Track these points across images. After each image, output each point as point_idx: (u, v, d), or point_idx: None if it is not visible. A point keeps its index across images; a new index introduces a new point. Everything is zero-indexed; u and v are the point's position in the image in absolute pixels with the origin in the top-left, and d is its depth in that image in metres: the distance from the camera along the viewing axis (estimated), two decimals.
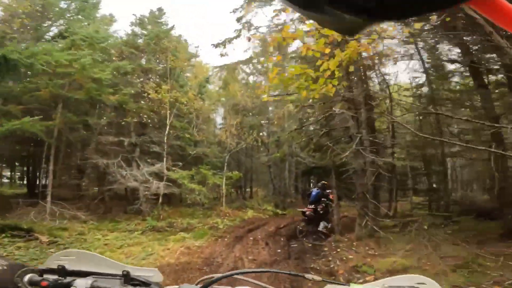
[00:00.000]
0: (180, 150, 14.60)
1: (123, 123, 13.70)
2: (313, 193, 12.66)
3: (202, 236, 9.39)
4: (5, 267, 0.74)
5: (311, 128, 13.16)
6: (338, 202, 11.65)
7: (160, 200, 12.78)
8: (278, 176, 20.18)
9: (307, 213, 10.67)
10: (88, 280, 0.70)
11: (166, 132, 13.16)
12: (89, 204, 12.85)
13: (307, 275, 0.73)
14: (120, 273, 0.76)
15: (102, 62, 12.39)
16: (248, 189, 23.17)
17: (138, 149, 13.64)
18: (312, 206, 11.01)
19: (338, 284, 0.78)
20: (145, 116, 13.69)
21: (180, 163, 13.28)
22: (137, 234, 9.82)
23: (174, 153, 14.74)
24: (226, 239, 9.51)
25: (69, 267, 0.77)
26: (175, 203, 15.31)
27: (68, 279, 0.74)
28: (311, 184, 22.98)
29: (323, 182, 16.15)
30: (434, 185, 13.63)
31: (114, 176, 11.23)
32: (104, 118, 12.82)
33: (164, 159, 12.71)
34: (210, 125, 24.07)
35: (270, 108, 20.80)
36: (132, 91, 12.78)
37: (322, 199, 12.19)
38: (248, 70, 20.77)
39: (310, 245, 8.87)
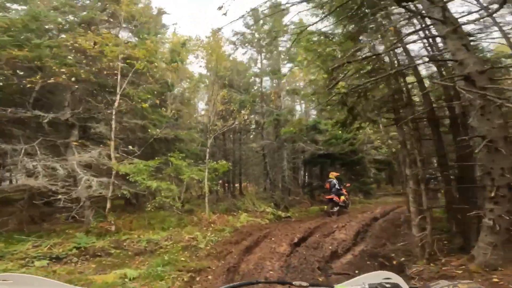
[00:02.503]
0: (141, 132, 10.15)
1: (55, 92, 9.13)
2: (336, 186, 12.40)
3: (161, 278, 5.00)
4: None
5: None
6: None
7: (108, 205, 8.40)
8: (275, 167, 16.07)
9: (334, 199, 11.63)
10: None
11: (116, 105, 8.72)
12: None
13: (294, 282, 0.75)
14: None
15: None
16: (237, 185, 18.93)
17: (76, 131, 9.15)
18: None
19: (323, 286, 0.80)
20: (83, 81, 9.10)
21: (137, 151, 8.86)
22: (42, 262, 5.48)
23: (134, 138, 10.32)
24: (209, 277, 5.30)
25: None
26: (142, 206, 10.97)
27: None
28: (309, 176, 19.05)
29: (336, 174, 13.39)
30: None
31: (16, 169, 6.79)
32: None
33: (112, 144, 8.29)
34: (189, 108, 19.62)
35: (264, 85, 16.62)
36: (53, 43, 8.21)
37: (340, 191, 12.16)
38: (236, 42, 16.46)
39: None
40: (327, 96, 7.08)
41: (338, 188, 12.87)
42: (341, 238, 7.63)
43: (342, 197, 12.82)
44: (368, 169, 16.90)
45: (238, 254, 6.82)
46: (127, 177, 7.91)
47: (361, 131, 16.60)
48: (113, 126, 8.40)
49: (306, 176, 19.15)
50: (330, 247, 6.93)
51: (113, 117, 8.55)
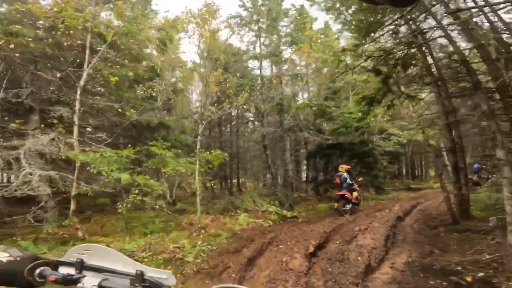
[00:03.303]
0: (117, 118, 8.35)
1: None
2: (348, 180, 10.90)
3: None
4: (18, 259, 0.73)
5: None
6: None
7: (73, 205, 6.63)
8: (277, 160, 14.36)
9: (346, 195, 10.38)
10: (98, 278, 0.71)
11: (81, 82, 6.92)
12: None
13: None
14: (134, 272, 0.74)
15: None
16: (235, 180, 17.22)
17: (37, 116, 7.35)
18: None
19: None
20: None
21: (107, 138, 7.07)
22: None
23: (109, 124, 8.51)
24: None
25: (87, 261, 0.77)
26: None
27: (82, 273, 0.75)
28: (313, 170, 17.33)
29: (347, 167, 11.76)
30: None
31: None
32: None
33: (75, 129, 6.51)
34: (183, 98, 17.89)
35: (264, 71, 14.82)
36: None
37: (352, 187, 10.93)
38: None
39: None
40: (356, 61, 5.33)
41: (350, 183, 11.21)
42: (369, 245, 5.95)
43: (355, 193, 11.18)
44: (379, 162, 15.25)
45: (238, 269, 5.13)
46: (88, 168, 6.12)
47: (372, 119, 15.00)
48: (77, 107, 6.60)
49: (310, 170, 17.43)
50: (359, 258, 5.25)
51: (78, 97, 6.74)
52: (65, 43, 7.00)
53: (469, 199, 7.62)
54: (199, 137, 8.31)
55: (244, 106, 11.51)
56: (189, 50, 67.07)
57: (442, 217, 8.15)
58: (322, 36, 16.45)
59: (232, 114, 16.23)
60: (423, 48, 6.30)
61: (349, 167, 11.91)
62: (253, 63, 15.71)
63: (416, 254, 5.23)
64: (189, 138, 11.85)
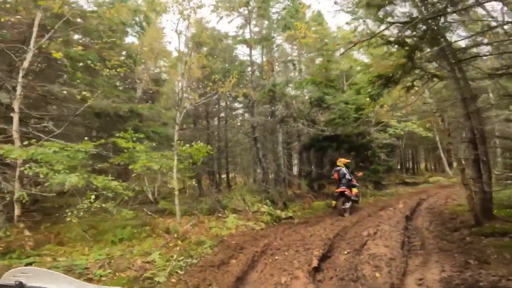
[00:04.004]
0: (74, 104, 6.97)
1: None
2: (347, 175, 9.76)
3: None
4: None
5: None
6: None
7: (17, 210, 5.30)
8: (268, 153, 13.18)
9: (345, 192, 9.19)
10: None
11: (25, 64, 5.54)
12: None
13: None
14: None
15: None
16: (224, 176, 16.02)
17: None
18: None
19: None
20: None
21: (55, 129, 5.70)
22: None
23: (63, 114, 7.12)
24: None
25: (27, 283, 0.76)
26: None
27: None
28: (307, 164, 16.21)
29: (346, 161, 10.67)
30: None
31: None
32: None
33: (15, 117, 5.14)
34: (166, 88, 16.42)
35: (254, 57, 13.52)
36: None
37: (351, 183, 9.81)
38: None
39: None
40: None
41: (349, 178, 10.13)
42: (385, 255, 4.85)
43: (355, 190, 10.12)
44: (377, 155, 14.28)
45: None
46: (23, 169, 4.78)
47: (373, 108, 13.96)
48: (18, 92, 5.22)
49: (304, 164, 16.31)
50: (377, 275, 4.13)
51: (19, 80, 5.35)
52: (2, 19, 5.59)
53: (492, 197, 6.62)
54: (176, 127, 7.02)
55: (232, 93, 10.26)
56: (175, 40, 64.75)
57: (460, 217, 7.14)
58: (315, 24, 15.34)
59: (220, 104, 14.95)
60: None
61: (348, 160, 10.83)
62: (242, 50, 14.38)
63: (449, 267, 4.14)
64: (173, 130, 10.57)
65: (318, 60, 15.25)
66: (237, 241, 6.34)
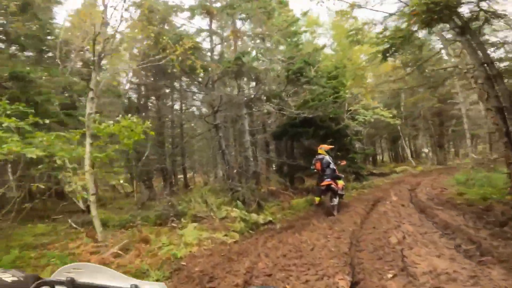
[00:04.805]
0: None
1: None
2: (331, 165, 7.94)
3: None
4: (21, 278, 0.76)
5: None
6: None
7: None
8: (234, 144, 10.96)
9: (332, 185, 7.48)
10: None
11: None
12: None
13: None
14: (128, 286, 0.74)
15: None
16: (181, 176, 13.39)
17: None
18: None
19: None
20: None
21: None
22: None
23: None
24: None
25: (78, 279, 0.77)
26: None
27: None
28: (277, 154, 14.23)
29: (329, 147, 8.80)
30: None
31: None
32: None
33: None
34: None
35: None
36: None
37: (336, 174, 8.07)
38: None
39: None
40: None
41: (334, 168, 8.32)
42: (454, 271, 2.95)
43: (341, 182, 8.33)
44: (354, 143, 12.85)
45: None
46: None
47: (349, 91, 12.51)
48: None
49: (274, 155, 14.28)
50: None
51: None
52: None
53: None
54: (90, 94, 4.44)
55: (186, 66, 7.82)
56: None
57: (495, 207, 5.60)
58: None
59: (175, 85, 12.26)
60: None
61: (331, 146, 9.02)
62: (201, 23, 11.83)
63: None
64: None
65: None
66: (203, 266, 4.02)
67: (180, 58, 7.05)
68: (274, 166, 13.15)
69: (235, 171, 9.47)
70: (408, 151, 23.91)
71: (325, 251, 4.15)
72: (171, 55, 7.01)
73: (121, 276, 0.79)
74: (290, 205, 8.53)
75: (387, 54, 6.49)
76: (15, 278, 0.77)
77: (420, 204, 7.27)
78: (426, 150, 22.20)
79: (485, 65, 6.00)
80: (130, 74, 11.89)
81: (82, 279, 0.77)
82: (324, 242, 4.65)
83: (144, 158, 9.75)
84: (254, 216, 6.78)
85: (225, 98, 9.06)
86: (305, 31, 16.85)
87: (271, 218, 6.96)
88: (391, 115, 17.14)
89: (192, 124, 13.95)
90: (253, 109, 11.21)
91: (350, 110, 15.16)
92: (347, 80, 13.38)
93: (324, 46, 14.02)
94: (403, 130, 24.00)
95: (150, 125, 5.05)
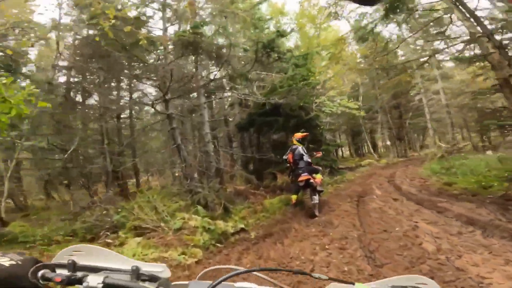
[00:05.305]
0: None
1: None
2: (306, 157, 6.81)
3: None
4: (19, 262, 0.73)
5: None
6: None
7: None
8: (194, 138, 9.26)
9: (310, 181, 6.22)
10: (100, 276, 0.70)
11: None
12: None
13: (314, 274, 0.69)
14: (129, 268, 0.73)
15: None
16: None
17: None
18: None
19: (344, 282, 0.70)
20: None
21: None
22: None
23: None
24: None
25: (79, 261, 0.75)
26: None
27: (80, 274, 0.73)
28: (241, 148, 12.71)
29: (303, 135, 7.52)
30: None
31: None
32: None
33: None
34: None
35: None
36: None
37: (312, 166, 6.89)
38: None
39: None
40: None
41: (309, 160, 7.10)
42: None
43: (319, 176, 7.09)
44: (325, 135, 11.84)
45: None
46: None
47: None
48: None
49: (241, 150, 12.69)
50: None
51: None
52: None
53: None
54: None
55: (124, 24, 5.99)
56: None
57: (505, 197, 4.68)
58: None
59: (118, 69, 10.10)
60: None
61: (307, 134, 7.71)
62: None
63: None
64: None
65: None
66: None
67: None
68: (239, 162, 11.60)
69: (193, 169, 7.78)
70: (370, 144, 23.91)
71: (334, 272, 2.76)
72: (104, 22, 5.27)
73: (122, 258, 0.75)
74: (263, 207, 7.07)
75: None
76: (13, 262, 0.72)
77: (413, 197, 6.28)
78: (388, 143, 22.29)
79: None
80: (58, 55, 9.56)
81: (83, 261, 0.75)
82: (325, 256, 3.27)
83: (67, 155, 7.61)
84: (220, 224, 5.19)
85: (179, 80, 7.32)
86: (270, 19, 15.78)
87: (242, 225, 5.42)
88: (356, 107, 16.68)
89: (148, 117, 11.89)
90: (214, 96, 9.60)
91: (317, 102, 14.32)
92: (315, 68, 12.45)
93: (292, 30, 12.87)
94: (364, 124, 24.00)
95: (37, 90, 3.27)
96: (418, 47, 16.91)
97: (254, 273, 0.72)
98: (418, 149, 25.08)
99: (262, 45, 6.77)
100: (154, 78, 8.24)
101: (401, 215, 4.64)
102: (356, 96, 22.49)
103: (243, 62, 8.22)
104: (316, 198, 6.58)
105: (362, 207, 5.99)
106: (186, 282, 0.75)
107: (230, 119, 11.69)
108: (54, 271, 0.74)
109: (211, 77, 8.19)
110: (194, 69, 7.99)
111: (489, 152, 12.90)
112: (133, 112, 11.76)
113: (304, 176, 6.50)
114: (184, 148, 8.26)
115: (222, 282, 0.69)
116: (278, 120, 9.23)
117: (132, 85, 11.19)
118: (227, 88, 10.34)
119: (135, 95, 11.85)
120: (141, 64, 8.78)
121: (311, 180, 6.48)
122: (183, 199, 7.15)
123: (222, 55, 7.30)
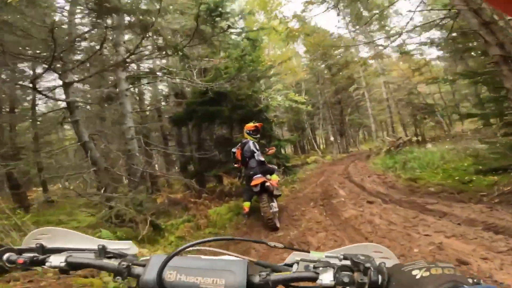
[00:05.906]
0: None
1: None
2: (258, 155, 5.47)
3: None
4: None
5: None
6: None
7: None
8: (113, 133, 7.10)
9: (266, 184, 4.98)
10: (63, 255, 0.69)
11: None
12: None
13: (269, 242, 0.68)
14: (96, 247, 0.72)
15: None
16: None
17: None
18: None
19: (300, 251, 0.69)
20: None
21: None
22: None
23: None
24: None
25: (47, 244, 0.74)
26: None
27: (45, 255, 0.72)
28: (178, 145, 10.71)
29: (255, 126, 5.97)
30: None
31: None
32: None
33: None
34: None
35: None
36: None
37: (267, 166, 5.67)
38: None
39: None
40: None
41: (262, 159, 5.72)
42: None
43: (275, 177, 5.77)
44: (275, 130, 10.60)
45: None
46: None
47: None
48: None
49: (178, 148, 10.63)
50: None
51: None
52: None
53: None
54: None
55: None
56: None
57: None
58: None
59: None
60: None
61: (260, 124, 6.22)
62: None
63: None
64: None
65: None
66: None
67: None
68: (177, 165, 9.61)
69: (106, 173, 5.71)
70: (313, 141, 23.75)
71: None
72: None
73: (88, 238, 0.77)
74: (208, 220, 5.38)
75: None
76: None
77: (387, 198, 5.29)
78: (332, 139, 22.30)
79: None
80: None
81: (51, 244, 0.75)
82: None
83: None
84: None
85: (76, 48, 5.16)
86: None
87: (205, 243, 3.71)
88: (304, 100, 15.94)
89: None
90: (138, 83, 7.55)
91: (263, 95, 13.10)
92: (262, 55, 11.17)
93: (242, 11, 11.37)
94: (308, 120, 23.75)
95: None
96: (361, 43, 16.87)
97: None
98: (358, 145, 25.81)
99: (207, 8, 5.06)
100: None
101: (397, 225, 3.44)
102: (299, 92, 22.03)
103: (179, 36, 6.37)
104: (274, 205, 5.27)
105: (336, 215, 4.73)
106: (148, 257, 0.66)
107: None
108: (19, 254, 0.72)
109: (132, 49, 6.09)
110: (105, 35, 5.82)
111: (428, 146, 13.12)
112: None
113: (258, 179, 5.09)
114: (94, 147, 6.06)
115: (185, 255, 0.65)
116: (223, 110, 7.58)
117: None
118: (159, 74, 8.36)
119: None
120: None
121: (267, 183, 5.09)
122: (95, 210, 5.09)
123: (147, 22, 5.38)
